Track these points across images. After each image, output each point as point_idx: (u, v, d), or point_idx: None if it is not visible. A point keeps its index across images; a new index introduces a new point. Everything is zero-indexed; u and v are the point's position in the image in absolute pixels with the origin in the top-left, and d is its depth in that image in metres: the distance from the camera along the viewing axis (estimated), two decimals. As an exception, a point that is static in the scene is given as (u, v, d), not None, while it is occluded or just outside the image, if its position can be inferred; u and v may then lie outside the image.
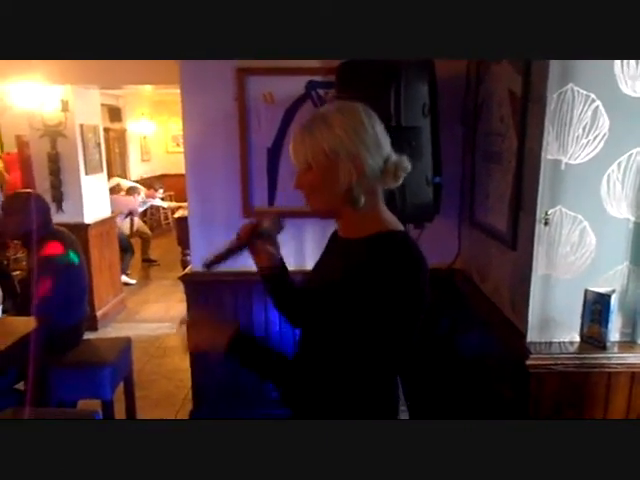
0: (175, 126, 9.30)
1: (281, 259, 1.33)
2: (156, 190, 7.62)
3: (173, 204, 8.40)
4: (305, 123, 1.13)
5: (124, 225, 6.36)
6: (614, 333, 1.75)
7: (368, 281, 1.05)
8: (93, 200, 4.59)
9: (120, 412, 2.77)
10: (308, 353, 1.22)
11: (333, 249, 1.27)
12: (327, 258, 1.29)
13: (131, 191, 6.60)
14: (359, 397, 1.10)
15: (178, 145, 9.22)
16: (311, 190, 1.14)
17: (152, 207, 8.57)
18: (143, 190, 7.01)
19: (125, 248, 6.14)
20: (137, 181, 8.25)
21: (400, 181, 1.14)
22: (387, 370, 1.12)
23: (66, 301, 2.44)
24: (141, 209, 7.72)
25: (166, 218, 9.05)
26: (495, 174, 2.14)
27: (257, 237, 1.25)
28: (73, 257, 2.52)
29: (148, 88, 6.82)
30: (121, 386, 2.77)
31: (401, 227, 1.17)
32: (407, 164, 1.14)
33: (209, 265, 1.21)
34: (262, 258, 1.29)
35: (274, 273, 1.32)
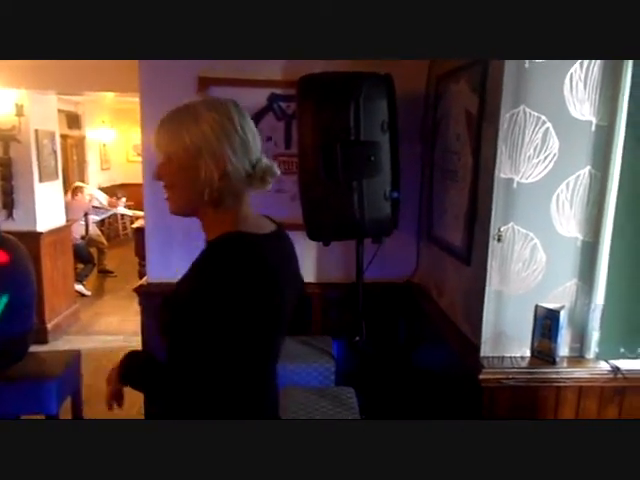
0: (136, 135, 9.05)
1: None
2: (119, 198, 7.41)
3: (138, 212, 8.17)
4: (170, 113, 1.07)
5: (81, 231, 6.14)
6: (563, 348, 1.80)
7: (199, 283, 1.00)
8: (47, 208, 4.43)
9: (67, 429, 2.66)
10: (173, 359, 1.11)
11: None
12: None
13: (76, 191, 6.29)
14: (219, 399, 1.06)
15: (139, 154, 9.00)
16: (170, 184, 1.08)
17: (111, 217, 8.34)
18: (86, 187, 6.73)
19: (86, 259, 5.94)
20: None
21: (268, 186, 1.09)
22: (229, 372, 1.04)
23: (10, 312, 2.33)
24: (103, 216, 7.49)
25: (124, 228, 8.83)
26: (451, 190, 2.18)
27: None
28: (19, 266, 2.41)
29: (109, 96, 6.68)
30: (69, 401, 2.65)
31: (260, 230, 1.08)
32: (276, 170, 1.09)
33: None
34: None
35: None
